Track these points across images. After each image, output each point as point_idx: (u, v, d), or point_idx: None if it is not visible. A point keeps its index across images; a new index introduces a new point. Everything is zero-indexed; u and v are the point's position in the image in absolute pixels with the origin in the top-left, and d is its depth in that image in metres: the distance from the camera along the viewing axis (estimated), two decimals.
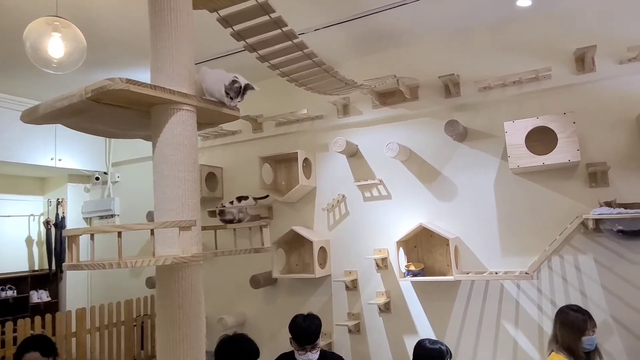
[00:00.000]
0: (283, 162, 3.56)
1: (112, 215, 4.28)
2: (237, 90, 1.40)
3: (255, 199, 3.41)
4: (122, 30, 2.74)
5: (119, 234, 1.09)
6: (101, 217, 4.35)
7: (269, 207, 3.60)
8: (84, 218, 4.42)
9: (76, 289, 4.33)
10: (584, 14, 2.71)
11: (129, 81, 1.20)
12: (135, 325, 3.66)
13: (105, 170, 4.43)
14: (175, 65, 1.36)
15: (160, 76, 1.36)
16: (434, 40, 3.12)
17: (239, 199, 3.43)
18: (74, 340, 3.24)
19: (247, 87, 1.43)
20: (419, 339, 2.94)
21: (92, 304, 3.58)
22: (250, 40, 1.85)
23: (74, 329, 3.25)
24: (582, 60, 2.70)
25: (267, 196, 3.35)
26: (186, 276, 1.27)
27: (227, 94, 1.39)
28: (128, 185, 4.42)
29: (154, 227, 1.13)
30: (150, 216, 3.84)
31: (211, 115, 1.46)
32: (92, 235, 1.12)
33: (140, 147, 4.24)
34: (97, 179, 4.41)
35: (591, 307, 2.55)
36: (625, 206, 2.43)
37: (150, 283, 3.83)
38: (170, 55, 1.36)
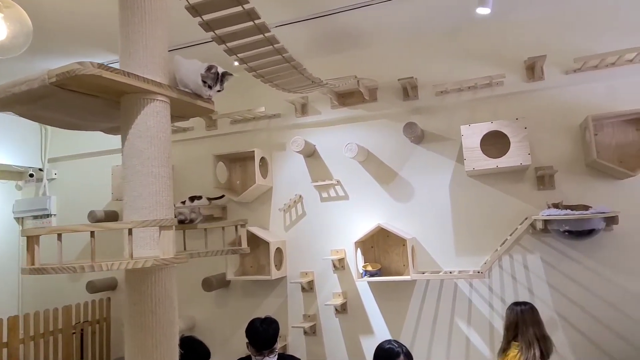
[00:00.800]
0: (238, 161, 3.46)
1: (48, 215, 3.96)
2: (215, 78, 1.32)
3: (209, 199, 3.28)
4: (71, 14, 2.52)
5: (92, 234, 0.99)
6: (35, 217, 4.01)
7: (223, 207, 3.49)
8: (15, 218, 4.06)
9: (5, 295, 3.97)
10: (535, 25, 2.86)
11: (100, 66, 1.09)
12: (74, 333, 3.40)
13: (40, 167, 4.09)
14: (149, 52, 1.26)
15: (131, 63, 1.25)
16: (393, 43, 3.16)
17: (192, 198, 3.28)
18: (5, 351, 2.95)
19: (225, 74, 1.36)
20: (374, 339, 2.99)
21: (23, 311, 3.29)
22: (219, 32, 1.76)
23: (4, 339, 2.96)
24: (532, 69, 2.84)
25: (222, 196, 3.23)
26: (160, 280, 1.18)
27: (205, 82, 1.31)
28: (66, 182, 4.11)
29: (132, 226, 1.03)
30: (92, 216, 3.60)
31: (185, 107, 1.37)
32: (59, 236, 1.00)
33: (80, 142, 3.97)
34: (31, 175, 4.06)
35: (538, 304, 2.67)
36: (571, 208, 2.57)
37: (92, 287, 3.59)
38: (143, 41, 1.26)
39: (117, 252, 3.48)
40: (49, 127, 4.09)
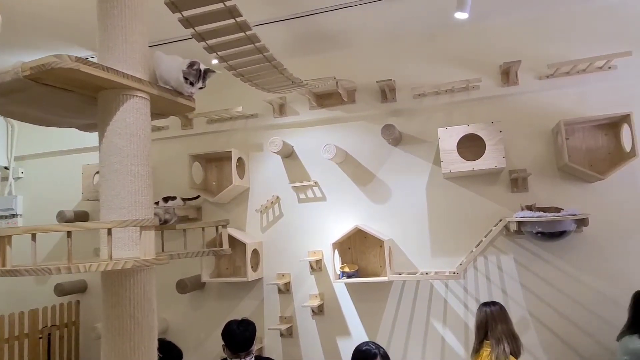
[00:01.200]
0: (214, 161, 3.41)
1: (14, 215, 3.81)
2: (197, 74, 1.29)
3: (184, 199, 3.22)
4: (41, 6, 2.42)
5: (69, 233, 0.95)
6: (0, 218, 3.86)
7: (198, 208, 3.42)
8: None
9: None
10: (510, 31, 2.92)
11: (78, 60, 1.05)
12: (41, 338, 3.29)
13: (6, 165, 3.93)
14: (128, 47, 1.22)
15: (110, 58, 1.21)
16: (372, 45, 3.18)
17: (166, 199, 3.22)
18: None
19: (208, 71, 1.33)
20: (351, 340, 2.99)
21: None
22: (199, 29, 1.73)
23: None
24: (507, 74, 2.89)
25: (198, 197, 3.18)
26: (139, 282, 1.14)
27: (186, 79, 1.27)
28: (33, 181, 3.97)
29: (112, 226, 1.00)
30: (61, 216, 3.48)
31: (166, 104, 1.34)
32: (33, 236, 0.96)
33: (49, 139, 3.85)
34: None
35: (511, 304, 2.74)
36: (544, 210, 2.64)
37: (60, 290, 3.47)
38: (123, 35, 1.22)
39: (87, 253, 3.38)
40: (15, 124, 3.94)
